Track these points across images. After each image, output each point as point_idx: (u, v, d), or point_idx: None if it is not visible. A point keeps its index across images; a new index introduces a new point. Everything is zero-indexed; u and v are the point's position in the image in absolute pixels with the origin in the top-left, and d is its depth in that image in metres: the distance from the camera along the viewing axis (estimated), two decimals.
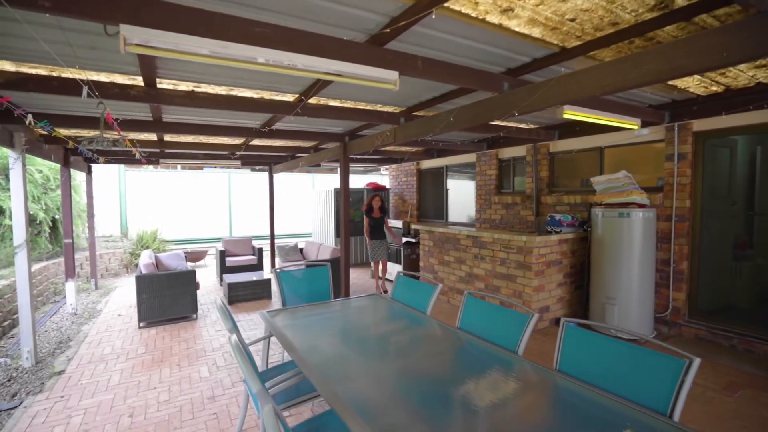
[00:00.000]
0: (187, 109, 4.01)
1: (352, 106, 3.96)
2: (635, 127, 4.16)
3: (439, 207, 8.77)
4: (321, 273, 4.08)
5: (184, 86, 3.21)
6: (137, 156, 5.61)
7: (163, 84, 3.13)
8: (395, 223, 8.07)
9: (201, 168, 11.99)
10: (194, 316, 5.52)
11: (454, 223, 8.26)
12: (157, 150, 6.18)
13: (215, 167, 12.30)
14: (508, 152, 6.91)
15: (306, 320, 3.15)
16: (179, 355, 4.29)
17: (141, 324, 5.18)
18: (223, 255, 7.53)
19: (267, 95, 3.55)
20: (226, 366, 4.03)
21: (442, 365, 2.37)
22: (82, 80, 2.56)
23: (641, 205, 4.66)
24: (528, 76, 3.17)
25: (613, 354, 2.07)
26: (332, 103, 3.85)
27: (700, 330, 4.63)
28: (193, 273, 5.44)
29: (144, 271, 5.23)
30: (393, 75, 2.39)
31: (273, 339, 3.15)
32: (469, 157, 7.72)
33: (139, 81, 3.00)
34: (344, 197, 5.51)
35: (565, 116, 3.42)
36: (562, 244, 5.19)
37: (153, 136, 5.38)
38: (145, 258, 5.60)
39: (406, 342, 2.76)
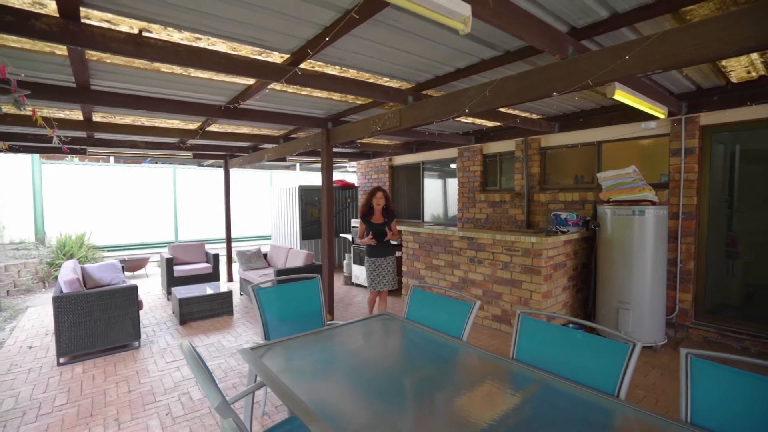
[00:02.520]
0: (128, 71, 2.88)
1: (353, 77, 3.07)
2: (662, 116, 3.70)
3: (415, 206, 8.06)
4: (309, 289, 3.16)
5: (126, 25, 2.14)
6: (55, 141, 4.23)
7: (93, 18, 2.05)
8: None
9: (139, 162, 10.28)
10: (136, 344, 4.27)
11: (434, 223, 7.59)
12: (84, 135, 4.80)
13: (157, 162, 10.64)
14: (494, 147, 6.36)
15: (305, 359, 2.26)
16: (117, 403, 3.12)
17: (61, 360, 3.87)
18: (170, 263, 6.20)
19: (247, 51, 2.56)
20: (186, 416, 2.95)
21: (518, 419, 1.62)
22: None
23: (652, 203, 4.26)
24: (585, 42, 2.52)
25: None
26: (330, 70, 2.94)
27: (709, 332, 4.32)
28: (134, 289, 4.20)
29: (65, 290, 3.91)
30: (465, 9, 1.58)
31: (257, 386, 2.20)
32: (449, 153, 7.08)
33: (51, 7, 1.91)
34: (327, 194, 4.57)
35: (616, 97, 2.82)
36: (567, 245, 4.68)
37: (77, 114, 4.06)
38: (67, 271, 4.23)
39: (452, 383, 1.98)
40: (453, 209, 7.30)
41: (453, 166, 7.32)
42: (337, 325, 2.72)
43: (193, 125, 4.79)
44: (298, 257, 5.83)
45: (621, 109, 4.51)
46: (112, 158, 9.76)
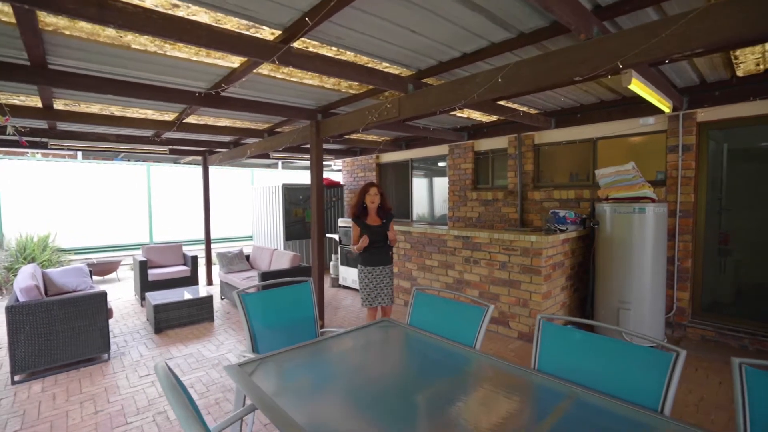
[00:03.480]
0: (92, 48, 2.49)
1: (350, 60, 2.77)
2: (667, 109, 3.57)
3: (403, 204, 7.80)
4: (300, 294, 2.85)
5: None
6: (9, 131, 3.75)
7: None
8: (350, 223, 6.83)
9: (111, 159, 9.64)
10: (105, 356, 3.83)
11: (423, 222, 7.35)
12: (45, 125, 4.31)
13: (130, 159, 10.03)
14: (485, 144, 6.17)
15: (300, 375, 1.97)
16: (82, 427, 2.72)
17: (17, 377, 3.40)
18: (144, 266, 5.72)
19: (233, 25, 2.22)
20: None
21: None
22: None
23: (652, 200, 4.14)
24: (606, 23, 2.31)
25: None
26: (325, 52, 2.63)
27: (707, 331, 4.23)
28: (102, 296, 3.77)
29: (21, 298, 3.45)
30: None
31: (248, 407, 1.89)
32: (439, 150, 6.85)
33: None
34: (317, 192, 4.24)
35: (631, 86, 2.63)
36: (565, 244, 4.52)
37: (35, 100, 3.60)
38: (25, 277, 3.74)
39: (470, 399, 1.73)
40: (443, 208, 7.09)
41: (441, 164, 7.11)
42: (333, 334, 2.42)
43: (169, 116, 4.37)
44: (283, 259, 5.48)
45: (620, 104, 4.38)
46: (79, 154, 9.09)
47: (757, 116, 3.83)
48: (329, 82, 3.33)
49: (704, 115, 4.16)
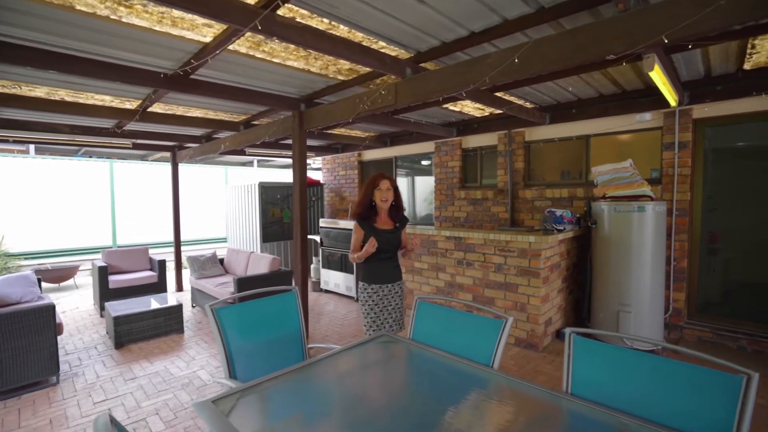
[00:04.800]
0: (26, 6, 2.00)
1: (344, 36, 2.39)
2: (674, 103, 3.39)
3: None
4: (284, 305, 2.45)
5: None
6: None
7: None
8: (332, 224, 6.42)
9: (70, 155, 8.80)
10: (54, 379, 3.28)
11: (411, 223, 7.03)
12: None
13: (91, 155, 9.21)
14: (473, 141, 5.91)
15: (290, 411, 1.59)
16: None
17: None
18: (104, 272, 5.11)
19: None
20: None
21: None
22: None
23: (651, 198, 3.98)
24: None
25: None
26: (315, 24, 2.24)
27: (703, 332, 4.11)
28: (49, 310, 3.21)
29: None
30: None
31: None
32: (425, 147, 6.54)
33: None
34: (300, 190, 3.82)
35: (653, 73, 2.39)
36: (561, 245, 4.30)
37: None
38: None
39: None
40: (426, 208, 6.81)
41: (425, 162, 6.83)
42: (324, 354, 2.04)
43: (130, 104, 3.83)
44: (261, 262, 5.01)
45: (618, 99, 4.20)
46: (32, 148, 8.23)
47: (753, 113, 3.72)
48: (316, 65, 2.94)
49: (699, 112, 4.03)
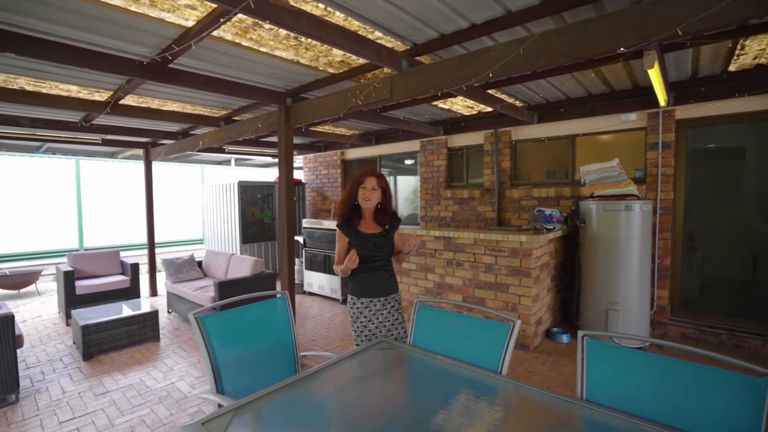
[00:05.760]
0: None
1: (339, 23, 2.23)
2: (664, 102, 3.41)
3: None
4: (274, 311, 2.27)
5: None
6: None
7: None
8: (315, 224, 6.21)
9: (31, 152, 8.19)
10: (13, 397, 2.95)
11: None
12: None
13: (55, 152, 8.61)
14: (459, 140, 5.84)
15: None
16: None
17: None
18: (70, 277, 4.72)
19: None
20: None
21: None
22: None
23: (637, 197, 4.01)
24: None
25: None
26: (310, 9, 2.07)
27: (686, 328, 4.19)
28: (7, 320, 2.89)
29: None
30: None
31: None
32: (410, 146, 6.44)
33: None
34: (286, 189, 3.63)
35: (652, 71, 2.36)
36: (550, 244, 4.29)
37: None
38: None
39: None
40: (410, 208, 6.71)
41: (408, 161, 6.74)
42: (321, 365, 1.87)
43: (100, 95, 3.53)
44: (242, 265, 4.76)
45: (606, 99, 4.23)
46: None
47: (733, 114, 3.81)
48: (306, 56, 2.76)
49: (682, 112, 4.10)
